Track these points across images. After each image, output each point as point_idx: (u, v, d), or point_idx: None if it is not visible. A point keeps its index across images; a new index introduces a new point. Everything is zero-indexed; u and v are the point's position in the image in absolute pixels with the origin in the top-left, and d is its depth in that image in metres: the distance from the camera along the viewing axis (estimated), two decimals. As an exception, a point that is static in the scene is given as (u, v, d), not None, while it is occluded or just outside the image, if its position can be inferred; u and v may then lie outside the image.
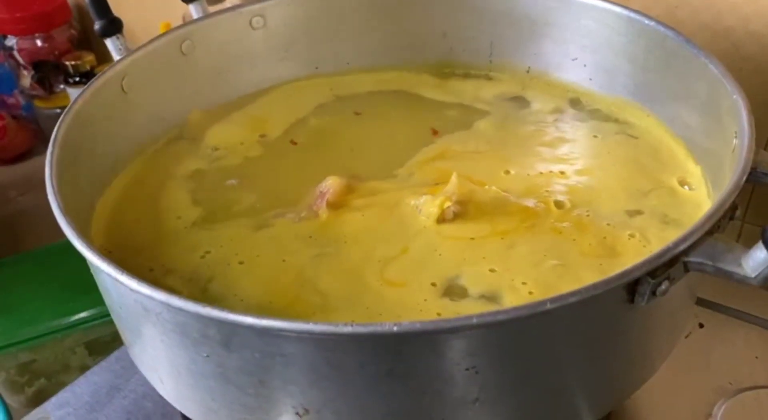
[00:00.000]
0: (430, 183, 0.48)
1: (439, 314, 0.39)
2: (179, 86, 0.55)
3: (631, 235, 0.43)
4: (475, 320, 0.31)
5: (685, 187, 0.47)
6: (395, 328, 0.30)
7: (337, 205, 0.46)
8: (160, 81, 0.53)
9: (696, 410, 0.51)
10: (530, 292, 0.40)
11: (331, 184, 0.47)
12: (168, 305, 0.33)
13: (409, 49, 0.61)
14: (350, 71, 0.60)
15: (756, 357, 0.55)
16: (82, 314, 0.66)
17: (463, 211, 0.45)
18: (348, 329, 0.30)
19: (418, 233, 0.44)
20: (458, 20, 0.60)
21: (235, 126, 0.55)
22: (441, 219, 0.44)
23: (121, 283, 0.34)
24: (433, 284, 0.41)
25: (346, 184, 0.47)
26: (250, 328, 0.32)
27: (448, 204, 0.43)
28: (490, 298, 0.40)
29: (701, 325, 0.58)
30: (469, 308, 0.39)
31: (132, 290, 0.34)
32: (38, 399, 0.62)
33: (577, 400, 0.38)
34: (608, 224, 0.44)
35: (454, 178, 0.45)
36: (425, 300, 0.40)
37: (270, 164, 0.52)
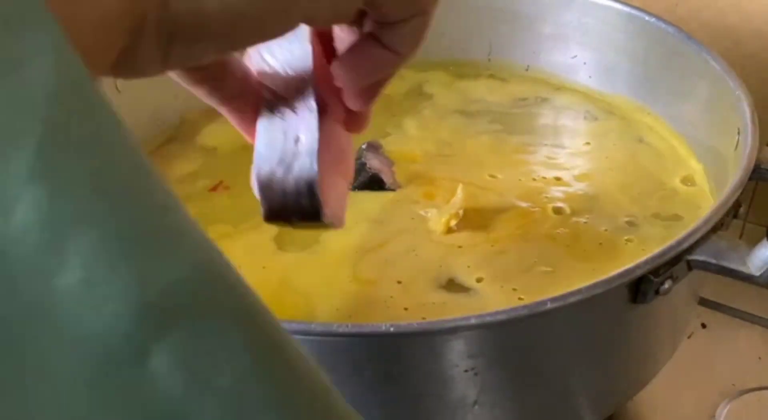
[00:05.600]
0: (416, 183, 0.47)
1: (406, 309, 0.38)
2: (174, 85, 0.54)
3: (629, 240, 0.43)
4: (473, 320, 0.30)
5: (688, 185, 0.47)
6: (392, 329, 0.29)
7: None
8: (154, 80, 0.52)
9: (699, 411, 0.51)
10: (520, 298, 0.39)
11: None
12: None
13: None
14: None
15: (759, 358, 0.55)
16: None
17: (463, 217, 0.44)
18: (343, 330, 0.30)
19: (406, 233, 0.44)
20: (456, 19, 0.59)
21: (228, 126, 0.55)
22: (446, 232, 0.44)
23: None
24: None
25: None
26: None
27: (454, 221, 0.43)
28: (477, 299, 0.39)
29: (704, 326, 0.57)
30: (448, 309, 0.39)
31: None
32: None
33: (579, 402, 0.38)
34: (605, 230, 0.43)
35: (460, 192, 0.44)
36: (391, 296, 0.39)
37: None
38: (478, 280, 0.40)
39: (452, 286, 0.40)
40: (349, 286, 0.40)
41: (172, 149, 0.53)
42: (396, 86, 0.58)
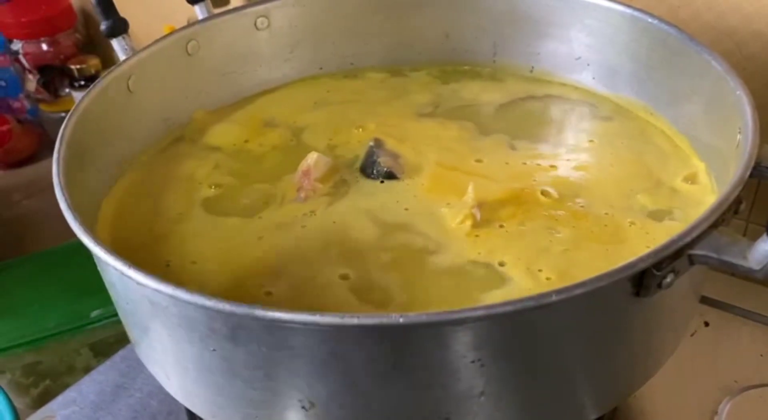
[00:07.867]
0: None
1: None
2: (184, 86, 0.55)
3: (632, 223, 0.44)
4: (481, 312, 0.31)
5: (690, 183, 0.47)
6: (401, 320, 0.30)
7: (326, 181, 0.48)
8: (165, 81, 0.54)
9: (701, 408, 0.51)
10: (548, 278, 0.40)
11: (313, 160, 0.48)
12: (175, 299, 0.33)
13: (412, 50, 0.61)
14: (354, 71, 0.61)
15: (761, 355, 0.55)
16: (87, 315, 0.67)
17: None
18: (354, 321, 0.30)
19: (422, 227, 0.44)
20: (461, 21, 0.60)
21: (235, 125, 0.56)
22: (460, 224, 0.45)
23: (128, 277, 0.34)
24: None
25: (332, 164, 0.49)
26: (256, 320, 0.32)
27: (469, 221, 0.44)
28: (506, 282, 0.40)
29: (707, 324, 0.58)
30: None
31: (139, 284, 0.34)
32: (43, 401, 0.62)
33: (583, 394, 0.38)
34: (606, 213, 0.44)
35: (471, 191, 0.45)
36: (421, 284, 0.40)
37: (268, 162, 0.52)
38: (501, 265, 0.41)
39: (478, 270, 0.41)
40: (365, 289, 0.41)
41: (181, 148, 0.54)
42: (395, 86, 0.59)
